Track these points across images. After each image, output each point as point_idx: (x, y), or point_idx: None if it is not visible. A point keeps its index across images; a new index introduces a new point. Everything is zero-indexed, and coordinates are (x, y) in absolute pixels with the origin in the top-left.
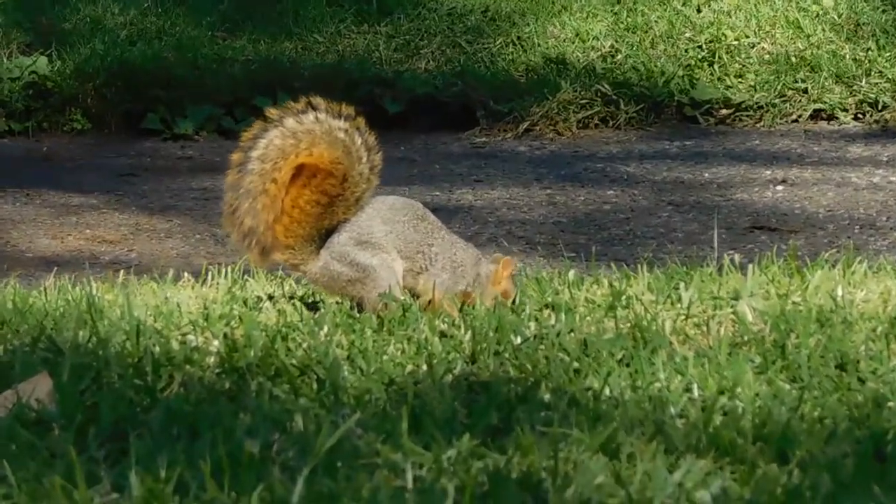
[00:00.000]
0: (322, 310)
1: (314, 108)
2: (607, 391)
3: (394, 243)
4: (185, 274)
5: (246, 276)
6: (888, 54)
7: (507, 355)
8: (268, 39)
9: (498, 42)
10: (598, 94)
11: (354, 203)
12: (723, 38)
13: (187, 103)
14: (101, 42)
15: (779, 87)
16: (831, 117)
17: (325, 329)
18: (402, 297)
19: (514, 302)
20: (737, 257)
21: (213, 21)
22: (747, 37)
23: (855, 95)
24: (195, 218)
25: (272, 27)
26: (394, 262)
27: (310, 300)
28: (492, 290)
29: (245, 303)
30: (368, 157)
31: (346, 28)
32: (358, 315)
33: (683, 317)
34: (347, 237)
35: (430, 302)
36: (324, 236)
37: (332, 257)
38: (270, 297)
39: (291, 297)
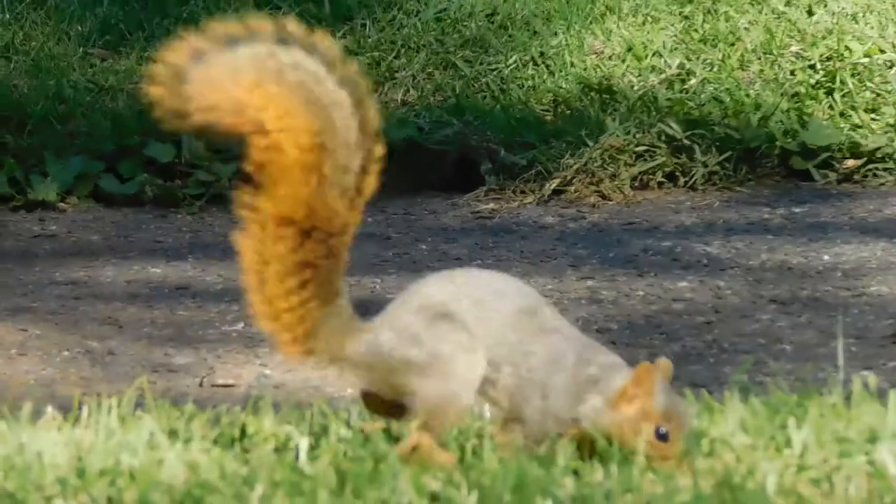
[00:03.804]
0: (254, 461)
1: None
2: None
3: (484, 336)
4: (49, 409)
5: (139, 410)
6: None
7: None
8: None
9: (512, 61)
10: (663, 138)
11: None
12: (846, 55)
13: (49, 155)
14: None
15: None
16: None
17: (259, 490)
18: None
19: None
20: (873, 380)
21: (86, 32)
22: (882, 52)
23: None
24: (62, 326)
25: (173, 38)
26: (476, 359)
27: (235, 445)
28: (613, 416)
29: (138, 452)
30: (361, 143)
31: None
32: (308, 469)
33: (795, 469)
34: (418, 305)
35: (413, 448)
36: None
37: (388, 333)
38: (177, 441)
39: (214, 441)
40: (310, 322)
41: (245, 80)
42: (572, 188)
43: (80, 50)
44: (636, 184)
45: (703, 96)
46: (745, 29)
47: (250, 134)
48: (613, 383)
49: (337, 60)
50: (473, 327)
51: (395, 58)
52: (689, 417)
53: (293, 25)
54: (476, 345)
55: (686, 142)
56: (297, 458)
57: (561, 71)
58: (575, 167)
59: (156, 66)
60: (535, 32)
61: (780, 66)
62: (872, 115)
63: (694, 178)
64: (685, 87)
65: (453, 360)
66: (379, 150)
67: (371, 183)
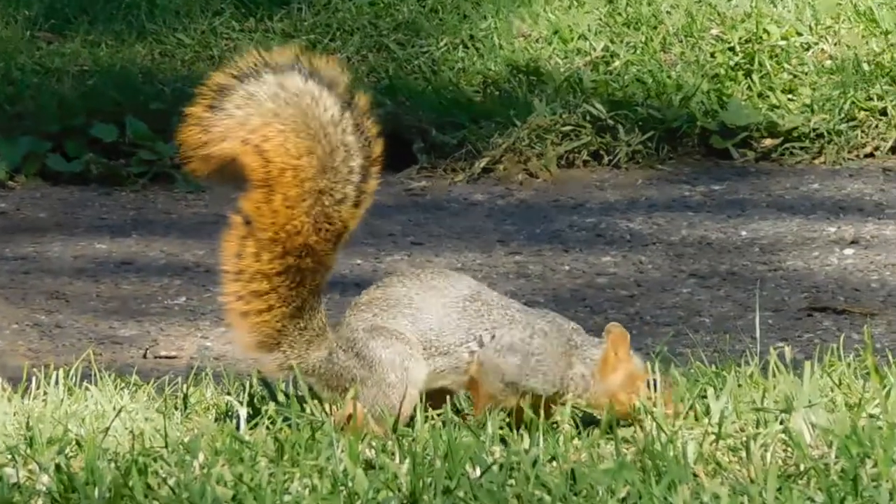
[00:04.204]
0: (196, 430)
1: (274, 68)
2: None
3: (421, 334)
4: None
5: (86, 383)
6: None
7: (461, 494)
8: (111, 42)
9: (443, 44)
10: (588, 119)
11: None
12: (764, 38)
13: None
14: None
15: (846, 107)
16: None
17: (201, 457)
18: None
19: (642, 407)
20: (788, 351)
21: (32, 16)
22: (800, 34)
23: None
24: (11, 300)
25: (117, 24)
26: (411, 361)
27: (177, 417)
28: (604, 386)
29: (85, 421)
30: (361, 164)
31: (224, 24)
32: (248, 437)
33: (713, 437)
34: (363, 319)
35: (349, 418)
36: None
37: (339, 345)
38: (121, 412)
39: (158, 410)
40: (273, 328)
41: (246, 111)
42: (501, 166)
43: (27, 33)
44: (562, 162)
45: (626, 78)
46: (667, 13)
47: (248, 156)
48: (590, 351)
49: (336, 79)
50: (410, 332)
51: (330, 41)
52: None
53: (295, 53)
54: (413, 351)
55: (610, 122)
56: (237, 426)
57: (490, 53)
58: (503, 146)
59: (186, 120)
60: (464, 16)
61: (700, 48)
62: (789, 96)
63: (617, 157)
64: (609, 69)
65: (388, 372)
66: (377, 154)
67: (373, 186)
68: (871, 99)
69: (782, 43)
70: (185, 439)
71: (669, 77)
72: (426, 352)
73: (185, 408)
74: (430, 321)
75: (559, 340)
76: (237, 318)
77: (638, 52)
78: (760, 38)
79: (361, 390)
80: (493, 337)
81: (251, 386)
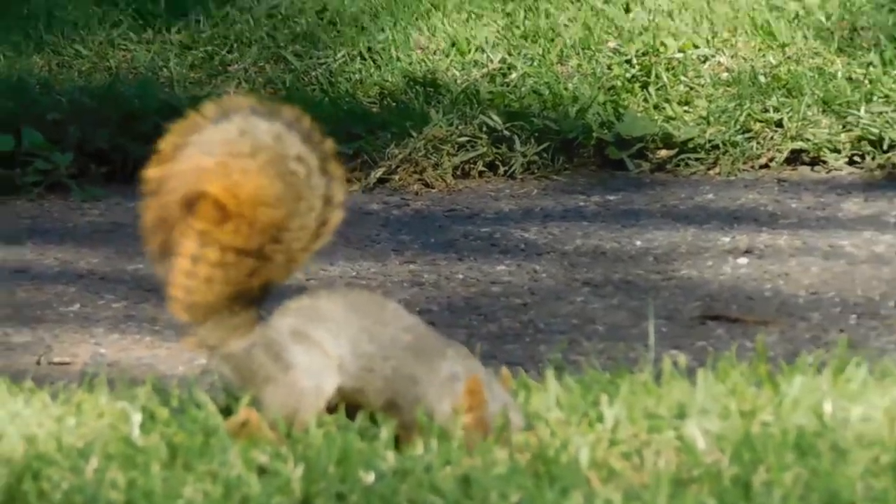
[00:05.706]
0: (89, 435)
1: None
2: None
3: (343, 351)
4: None
5: None
6: None
7: (354, 498)
8: (8, 52)
9: (340, 55)
10: (484, 130)
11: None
12: (661, 50)
13: None
14: None
15: (741, 119)
16: (816, 161)
17: (94, 462)
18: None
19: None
20: (682, 359)
21: None
22: (696, 47)
23: (850, 130)
24: None
25: (14, 34)
26: (327, 373)
27: (71, 422)
28: (459, 427)
29: None
30: (324, 204)
31: (122, 35)
32: (141, 443)
33: (607, 443)
34: (289, 323)
35: (243, 423)
36: (246, 304)
37: (262, 342)
38: (16, 416)
39: (52, 416)
40: (205, 300)
41: (212, 153)
42: (397, 177)
43: None
44: (458, 173)
45: (523, 89)
46: (565, 25)
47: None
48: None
49: (298, 120)
50: (331, 347)
51: (227, 52)
52: (518, 414)
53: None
54: (329, 364)
55: (506, 133)
56: (130, 432)
57: (387, 65)
58: (400, 157)
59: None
60: (362, 28)
61: (597, 60)
62: (685, 108)
63: (513, 168)
64: (506, 80)
65: (302, 377)
66: (341, 187)
67: (337, 216)
68: (767, 111)
69: (679, 55)
70: (79, 445)
71: (566, 89)
72: (340, 368)
73: (79, 413)
74: (355, 340)
75: (440, 371)
76: (180, 274)
77: (535, 64)
78: (657, 50)
79: (271, 390)
80: (388, 367)
81: (144, 392)
